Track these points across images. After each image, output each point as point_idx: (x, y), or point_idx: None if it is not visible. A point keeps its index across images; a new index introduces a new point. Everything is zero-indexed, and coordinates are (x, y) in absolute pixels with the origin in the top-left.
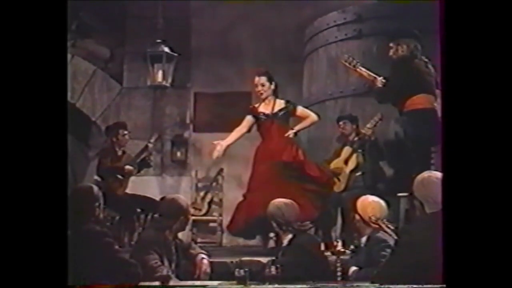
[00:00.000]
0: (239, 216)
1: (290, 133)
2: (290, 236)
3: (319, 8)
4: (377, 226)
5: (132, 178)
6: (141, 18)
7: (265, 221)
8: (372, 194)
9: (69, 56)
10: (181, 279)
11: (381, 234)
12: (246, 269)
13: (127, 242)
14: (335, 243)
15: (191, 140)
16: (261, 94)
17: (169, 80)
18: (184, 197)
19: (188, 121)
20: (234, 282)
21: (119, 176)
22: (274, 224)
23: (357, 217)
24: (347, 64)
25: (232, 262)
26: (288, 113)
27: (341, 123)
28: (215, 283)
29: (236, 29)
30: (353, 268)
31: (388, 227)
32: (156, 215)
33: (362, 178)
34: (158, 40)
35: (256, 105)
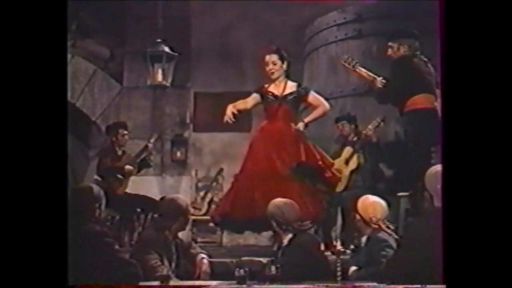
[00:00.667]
0: (230, 207)
1: (300, 125)
2: (290, 235)
3: (319, 8)
4: (377, 226)
5: (132, 178)
6: (141, 18)
7: (261, 219)
8: (372, 194)
9: (69, 56)
10: (181, 279)
11: (381, 234)
12: (246, 269)
13: (127, 242)
14: (335, 243)
15: (191, 140)
16: (272, 73)
17: (169, 80)
18: (184, 197)
19: (188, 121)
20: (234, 282)
21: (119, 176)
22: (274, 224)
23: (357, 217)
24: (346, 64)
25: (232, 262)
26: (299, 98)
27: (339, 123)
28: (215, 283)
29: (236, 29)
30: (353, 268)
31: (388, 227)
32: (156, 215)
33: (362, 178)
34: (158, 40)
35: (266, 86)
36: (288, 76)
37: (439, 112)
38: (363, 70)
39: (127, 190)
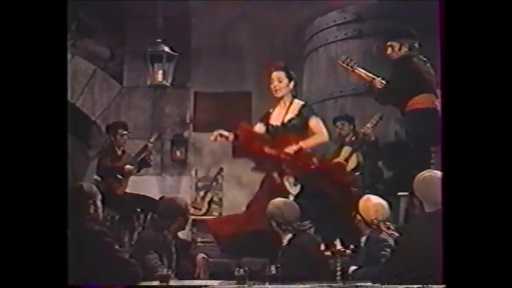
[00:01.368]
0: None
1: (290, 149)
2: (290, 236)
3: (319, 8)
4: (378, 227)
5: (132, 177)
6: (141, 18)
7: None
8: (372, 193)
9: (69, 56)
10: (181, 279)
11: (381, 234)
12: (246, 269)
13: (127, 241)
14: (335, 243)
15: (191, 140)
16: (277, 91)
17: (169, 80)
18: (184, 196)
19: (188, 120)
20: (234, 282)
21: (119, 176)
22: (274, 224)
23: (358, 217)
24: (344, 65)
25: (232, 261)
26: (301, 123)
27: (338, 123)
28: (215, 282)
29: (236, 28)
30: (353, 268)
31: (388, 228)
32: (155, 215)
33: (362, 177)
34: (158, 40)
35: (271, 111)
36: (294, 94)
37: (439, 112)
38: (362, 70)
39: (127, 190)
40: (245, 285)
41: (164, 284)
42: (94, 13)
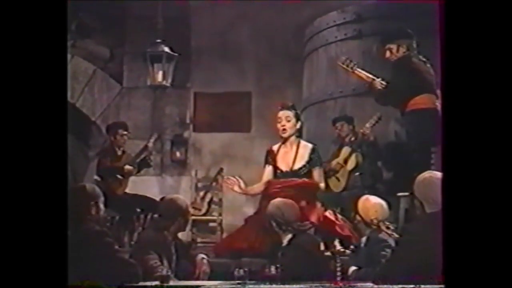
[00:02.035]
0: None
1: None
2: (289, 236)
3: (319, 8)
4: (378, 227)
5: (132, 178)
6: (141, 18)
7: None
8: (371, 194)
9: (69, 56)
10: (180, 279)
11: (381, 234)
12: (246, 269)
13: (126, 242)
14: (334, 243)
15: (191, 140)
16: (284, 131)
17: (169, 80)
18: (184, 197)
19: (188, 121)
20: (234, 282)
21: (119, 176)
22: (274, 224)
23: (357, 217)
24: (344, 66)
25: (232, 261)
26: (308, 170)
27: (338, 124)
28: (215, 283)
29: (236, 29)
30: (353, 268)
31: (388, 228)
32: (156, 215)
33: (361, 178)
34: (158, 40)
35: (274, 148)
36: (300, 135)
37: (440, 112)
38: (362, 71)
39: (127, 190)
40: (245, 285)
41: (164, 284)
42: (94, 13)
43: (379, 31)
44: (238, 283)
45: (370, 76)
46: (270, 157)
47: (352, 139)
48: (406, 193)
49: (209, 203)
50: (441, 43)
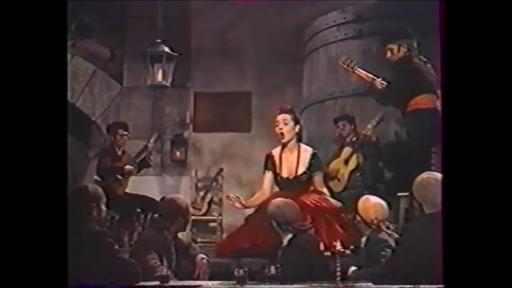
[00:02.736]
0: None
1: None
2: (290, 236)
3: (319, 8)
4: (378, 227)
5: (132, 178)
6: (141, 18)
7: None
8: (372, 194)
9: (69, 56)
10: (180, 279)
11: (381, 234)
12: (246, 269)
13: (126, 242)
14: (334, 243)
15: (191, 140)
16: (283, 135)
17: (169, 80)
18: (184, 197)
19: (188, 121)
20: (234, 282)
21: (119, 176)
22: (274, 224)
23: (358, 217)
24: (344, 66)
25: (232, 261)
26: (309, 176)
27: (339, 123)
28: (215, 283)
29: (236, 29)
30: (353, 268)
31: (388, 228)
32: (156, 215)
33: (362, 178)
34: (158, 40)
35: (274, 153)
36: (300, 139)
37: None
38: (362, 71)
39: (127, 190)
40: (245, 285)
41: (164, 284)
42: (94, 13)
43: (379, 31)
44: (238, 283)
45: (371, 76)
46: (270, 163)
47: (354, 139)
48: (406, 193)
49: (209, 203)
50: (441, 43)
